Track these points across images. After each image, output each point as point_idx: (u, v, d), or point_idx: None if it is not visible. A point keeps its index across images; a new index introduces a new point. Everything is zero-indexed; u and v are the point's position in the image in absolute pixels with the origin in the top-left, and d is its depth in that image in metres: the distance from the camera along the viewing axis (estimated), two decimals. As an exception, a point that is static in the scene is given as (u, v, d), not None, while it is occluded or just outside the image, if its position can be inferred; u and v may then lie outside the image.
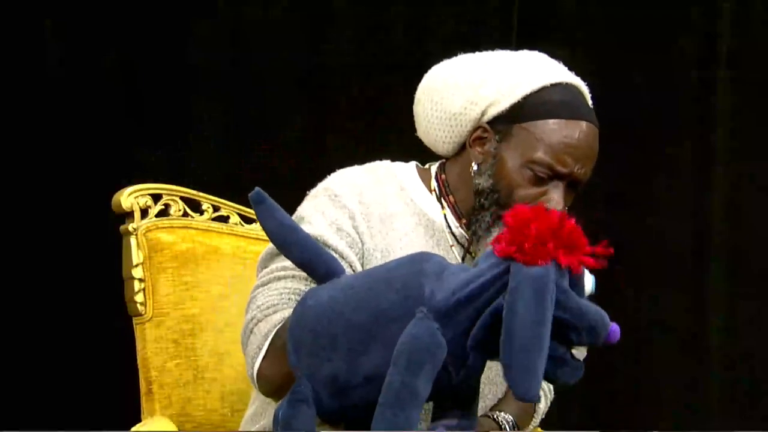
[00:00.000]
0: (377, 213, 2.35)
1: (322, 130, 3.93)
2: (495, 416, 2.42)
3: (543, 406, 2.55)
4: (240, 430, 2.50)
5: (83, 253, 3.76)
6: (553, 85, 2.33)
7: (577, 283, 1.93)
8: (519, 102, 2.32)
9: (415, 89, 2.45)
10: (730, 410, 3.93)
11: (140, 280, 2.70)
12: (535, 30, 3.89)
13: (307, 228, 2.24)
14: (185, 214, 2.77)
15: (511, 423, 2.42)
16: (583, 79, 2.39)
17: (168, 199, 2.75)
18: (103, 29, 3.85)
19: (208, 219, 2.79)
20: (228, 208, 2.82)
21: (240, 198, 2.85)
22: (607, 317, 1.94)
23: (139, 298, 2.69)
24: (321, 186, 2.39)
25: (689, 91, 3.95)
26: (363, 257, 2.32)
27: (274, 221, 2.14)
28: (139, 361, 2.71)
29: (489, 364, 2.05)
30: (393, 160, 2.48)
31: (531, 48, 2.45)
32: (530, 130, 2.30)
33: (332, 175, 2.42)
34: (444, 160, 2.45)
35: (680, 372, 3.94)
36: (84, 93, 3.84)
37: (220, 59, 3.90)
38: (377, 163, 2.46)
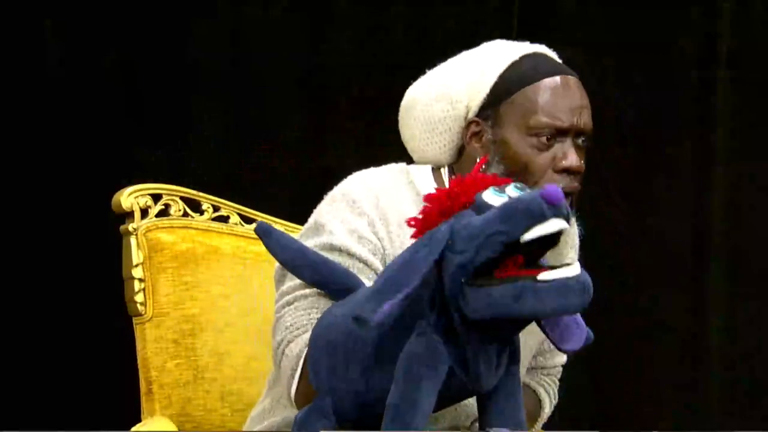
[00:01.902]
0: (395, 218, 2.32)
1: (322, 130, 3.93)
2: None
3: (548, 411, 2.57)
4: (247, 425, 2.50)
5: (83, 253, 3.76)
6: (521, 57, 2.35)
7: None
8: (496, 82, 2.33)
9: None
10: (730, 410, 3.92)
11: (140, 280, 2.70)
12: (535, 30, 3.88)
13: (329, 238, 2.26)
14: (185, 214, 2.77)
15: None
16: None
17: (168, 199, 2.75)
18: (103, 29, 3.84)
19: (208, 219, 2.79)
20: (228, 208, 2.81)
21: (240, 198, 2.85)
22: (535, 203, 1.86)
23: (139, 298, 2.69)
24: (338, 190, 2.36)
25: (689, 91, 3.94)
26: (385, 263, 2.30)
27: (284, 251, 2.17)
28: (139, 361, 2.70)
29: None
30: (393, 160, 2.47)
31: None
32: (517, 101, 2.32)
33: (349, 178, 2.39)
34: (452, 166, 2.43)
35: (680, 372, 3.94)
36: (84, 93, 3.84)
37: (220, 59, 3.89)
38: (393, 165, 2.44)
